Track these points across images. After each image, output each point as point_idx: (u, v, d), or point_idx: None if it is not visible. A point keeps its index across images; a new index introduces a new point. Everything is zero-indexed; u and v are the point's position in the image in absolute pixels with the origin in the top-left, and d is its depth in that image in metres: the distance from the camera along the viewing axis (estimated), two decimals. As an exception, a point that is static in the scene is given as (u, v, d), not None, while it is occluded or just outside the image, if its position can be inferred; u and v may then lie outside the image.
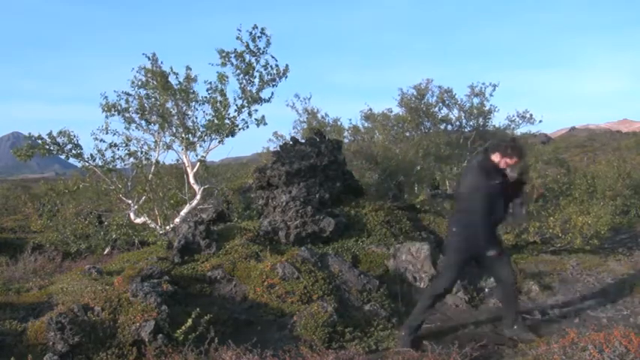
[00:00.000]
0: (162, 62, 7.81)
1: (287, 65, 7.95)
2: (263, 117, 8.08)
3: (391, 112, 12.78)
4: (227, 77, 7.79)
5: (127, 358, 3.85)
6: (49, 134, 7.45)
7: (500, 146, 4.28)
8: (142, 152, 8.02)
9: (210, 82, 7.88)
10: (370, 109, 13.03)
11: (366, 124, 12.95)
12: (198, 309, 4.19)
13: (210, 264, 5.64)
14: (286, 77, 8.03)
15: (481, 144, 12.37)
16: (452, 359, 3.67)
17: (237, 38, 7.62)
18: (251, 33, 7.62)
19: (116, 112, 7.87)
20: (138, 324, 4.00)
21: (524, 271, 6.14)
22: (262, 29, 7.63)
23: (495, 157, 4.26)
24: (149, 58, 7.78)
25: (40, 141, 7.43)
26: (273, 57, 7.78)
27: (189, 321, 4.03)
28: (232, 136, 8.06)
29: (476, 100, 12.47)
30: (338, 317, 4.49)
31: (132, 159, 7.93)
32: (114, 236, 9.05)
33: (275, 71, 7.86)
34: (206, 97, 8.01)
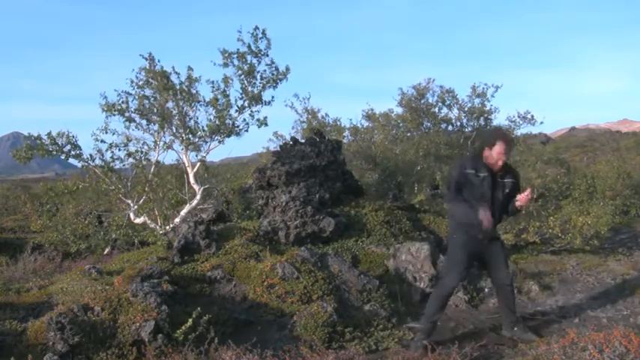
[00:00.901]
0: (159, 61, 7.82)
1: (287, 67, 7.97)
2: (265, 118, 8.07)
3: (392, 112, 12.80)
4: (231, 79, 7.80)
5: (127, 358, 3.85)
6: (49, 134, 7.44)
7: (486, 140, 4.24)
8: (141, 152, 8.02)
9: (213, 82, 7.89)
10: (372, 109, 13.04)
11: (366, 124, 12.96)
12: (198, 309, 4.19)
13: (210, 264, 5.64)
14: (287, 79, 8.04)
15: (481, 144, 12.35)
16: (452, 359, 3.67)
17: (239, 40, 7.64)
18: (252, 34, 7.64)
19: (116, 112, 7.86)
20: (138, 324, 4.00)
21: (524, 271, 6.15)
22: (263, 31, 7.65)
23: (486, 152, 4.19)
24: (146, 59, 7.78)
25: (39, 142, 7.42)
26: (273, 62, 7.82)
27: (190, 321, 4.03)
28: (237, 135, 8.07)
29: (477, 101, 12.48)
30: (338, 317, 4.49)
31: (131, 159, 7.92)
32: (114, 236, 9.05)
33: (276, 72, 7.87)
34: (209, 98, 8.03)
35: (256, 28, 7.63)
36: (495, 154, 4.15)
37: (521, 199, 4.20)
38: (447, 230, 4.66)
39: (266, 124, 8.09)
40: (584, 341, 3.43)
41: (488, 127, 12.57)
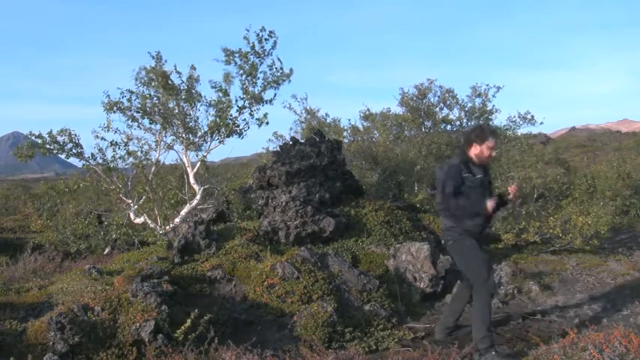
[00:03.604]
0: (166, 61, 7.83)
1: (291, 69, 7.97)
2: (266, 115, 8.06)
3: (389, 111, 12.80)
4: (233, 77, 7.81)
5: (127, 358, 3.85)
6: (50, 133, 7.44)
7: (477, 136, 4.04)
8: (142, 152, 8.03)
9: (215, 82, 7.90)
10: (368, 109, 13.04)
11: (365, 124, 12.96)
12: (197, 309, 4.18)
13: (210, 264, 5.64)
14: (290, 81, 8.04)
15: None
16: (452, 359, 3.67)
17: (244, 38, 7.62)
18: (258, 34, 7.61)
19: (118, 110, 7.86)
20: (138, 324, 3.99)
21: (524, 271, 6.15)
22: (270, 32, 7.62)
23: (475, 150, 4.03)
24: (153, 57, 7.79)
25: (40, 140, 7.43)
26: (279, 59, 7.79)
27: (189, 321, 4.03)
28: (239, 136, 8.08)
29: (478, 101, 12.50)
30: (338, 317, 4.49)
31: (132, 158, 7.93)
32: (114, 236, 9.05)
33: (279, 73, 7.86)
34: (209, 97, 8.04)
35: (262, 29, 7.60)
36: (487, 149, 4.01)
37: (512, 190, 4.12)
38: (450, 242, 4.19)
39: (267, 123, 8.10)
40: (584, 341, 3.43)
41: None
